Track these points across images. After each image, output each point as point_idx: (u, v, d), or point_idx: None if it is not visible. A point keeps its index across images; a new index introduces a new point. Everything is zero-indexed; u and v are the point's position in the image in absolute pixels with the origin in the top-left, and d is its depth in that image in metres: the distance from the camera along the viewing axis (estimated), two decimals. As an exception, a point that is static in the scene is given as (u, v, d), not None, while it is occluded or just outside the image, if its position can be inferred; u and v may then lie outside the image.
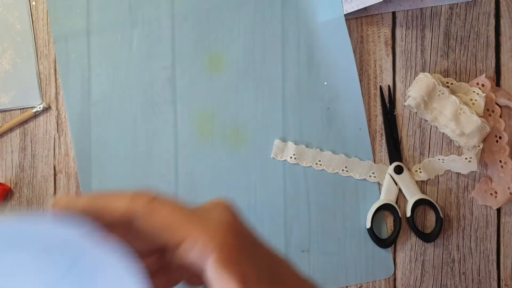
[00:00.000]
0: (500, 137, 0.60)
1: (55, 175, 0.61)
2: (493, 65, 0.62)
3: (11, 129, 0.62)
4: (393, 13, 0.62)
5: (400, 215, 0.60)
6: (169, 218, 0.27)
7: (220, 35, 0.61)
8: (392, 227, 0.61)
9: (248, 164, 0.61)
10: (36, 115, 0.61)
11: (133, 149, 0.61)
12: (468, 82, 0.61)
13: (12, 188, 0.61)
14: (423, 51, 0.62)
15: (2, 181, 0.61)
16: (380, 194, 0.61)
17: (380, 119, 0.61)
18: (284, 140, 0.61)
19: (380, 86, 0.61)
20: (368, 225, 0.60)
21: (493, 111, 0.61)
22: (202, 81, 0.61)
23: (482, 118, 0.57)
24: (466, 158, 0.59)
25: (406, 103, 0.60)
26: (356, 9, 0.59)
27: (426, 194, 0.61)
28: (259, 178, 0.61)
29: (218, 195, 0.60)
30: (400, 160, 0.61)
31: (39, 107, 0.61)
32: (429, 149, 0.61)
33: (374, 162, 0.61)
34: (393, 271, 0.61)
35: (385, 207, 0.60)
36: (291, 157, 0.60)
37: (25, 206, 0.61)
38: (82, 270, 0.27)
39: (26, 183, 0.61)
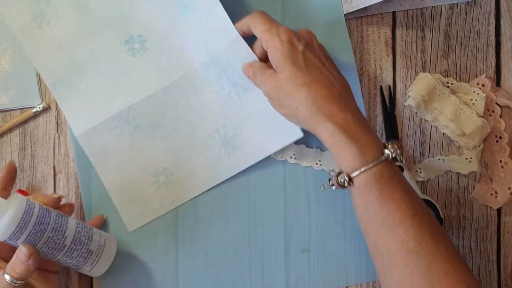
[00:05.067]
0: (500, 137, 0.60)
1: (54, 175, 0.61)
2: (493, 65, 0.62)
3: (10, 129, 0.61)
4: (393, 13, 0.62)
5: (400, 215, 0.60)
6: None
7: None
8: (392, 227, 0.61)
9: (248, 164, 0.61)
10: (35, 115, 0.61)
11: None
12: (468, 82, 0.61)
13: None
14: (423, 51, 0.62)
15: (2, 181, 0.61)
16: (380, 194, 0.60)
17: (380, 119, 0.61)
18: (284, 140, 0.61)
19: (380, 86, 0.61)
20: (368, 225, 0.60)
21: (493, 111, 0.61)
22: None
23: (482, 118, 0.57)
24: (466, 158, 0.59)
25: (406, 103, 0.60)
26: (356, 9, 0.59)
27: (426, 194, 0.61)
28: (259, 178, 0.60)
29: (218, 194, 0.60)
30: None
31: (39, 107, 0.61)
32: (429, 149, 0.61)
33: (374, 162, 0.61)
34: (393, 271, 0.61)
35: (385, 207, 0.60)
36: (291, 157, 0.60)
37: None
38: None
39: (25, 183, 0.61)
